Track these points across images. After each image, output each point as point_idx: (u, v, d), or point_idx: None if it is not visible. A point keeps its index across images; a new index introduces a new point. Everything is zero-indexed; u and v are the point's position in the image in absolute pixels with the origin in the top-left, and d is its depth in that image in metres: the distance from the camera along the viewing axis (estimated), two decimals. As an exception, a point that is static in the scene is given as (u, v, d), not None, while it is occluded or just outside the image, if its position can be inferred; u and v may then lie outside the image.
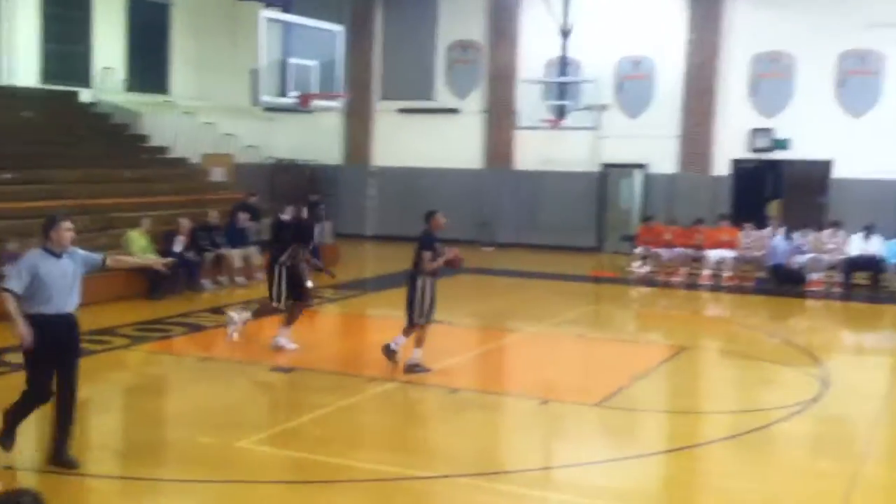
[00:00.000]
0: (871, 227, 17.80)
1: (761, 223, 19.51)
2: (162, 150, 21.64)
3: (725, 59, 22.27)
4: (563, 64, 21.99)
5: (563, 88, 21.72)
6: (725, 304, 17.14)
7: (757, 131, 21.83)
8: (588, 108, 21.86)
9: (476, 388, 10.21)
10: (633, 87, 23.22)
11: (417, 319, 10.32)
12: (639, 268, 19.11)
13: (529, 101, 22.18)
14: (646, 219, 20.55)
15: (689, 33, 22.35)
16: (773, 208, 21.50)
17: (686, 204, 21.54)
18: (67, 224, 7.00)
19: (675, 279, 18.45)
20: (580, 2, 21.62)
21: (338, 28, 15.97)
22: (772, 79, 21.91)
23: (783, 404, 9.48)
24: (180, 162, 21.53)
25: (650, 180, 23.06)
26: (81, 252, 7.18)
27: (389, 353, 10.43)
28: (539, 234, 23.71)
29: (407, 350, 10.43)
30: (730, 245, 18.52)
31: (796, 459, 8.17)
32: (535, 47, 23.62)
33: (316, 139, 26.13)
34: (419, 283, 10.28)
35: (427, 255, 10.32)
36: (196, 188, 20.52)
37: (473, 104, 24.88)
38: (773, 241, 18.03)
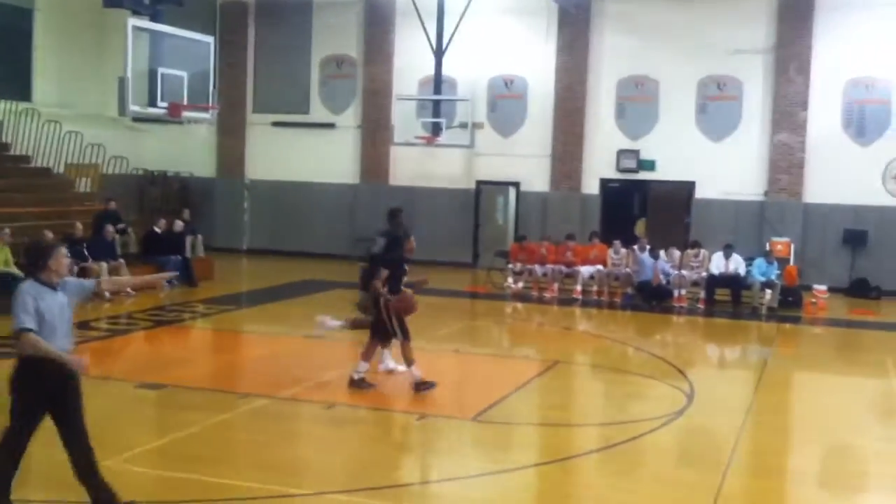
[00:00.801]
0: (731, 246, 18.58)
1: (629, 241, 20.12)
2: (24, 159, 20.78)
3: (594, 81, 22.90)
4: (438, 82, 22.20)
5: (437, 106, 21.93)
6: (596, 319, 17.56)
7: (624, 152, 22.52)
8: (462, 125, 22.16)
9: (353, 404, 10.14)
10: (506, 106, 23.62)
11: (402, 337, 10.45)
12: (513, 284, 19.42)
13: (405, 118, 22.32)
14: (519, 237, 20.88)
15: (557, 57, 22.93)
16: (640, 227, 22.19)
17: (558, 221, 22.01)
18: (65, 251, 6.38)
19: (549, 295, 18.82)
20: (454, 21, 21.88)
21: (208, 39, 15.71)
22: (637, 102, 22.66)
23: (651, 416, 9.77)
24: (43, 172, 20.70)
25: (523, 198, 23.48)
26: (72, 280, 6.54)
27: (420, 386, 10.41)
28: (416, 250, 23.76)
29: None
30: (600, 261, 19.03)
31: (664, 470, 8.42)
32: (410, 64, 23.77)
33: (187, 151, 25.56)
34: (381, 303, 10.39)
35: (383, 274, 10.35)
36: (60, 199, 19.78)
37: (349, 119, 24.83)
38: (641, 259, 18.61)
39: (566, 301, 18.44)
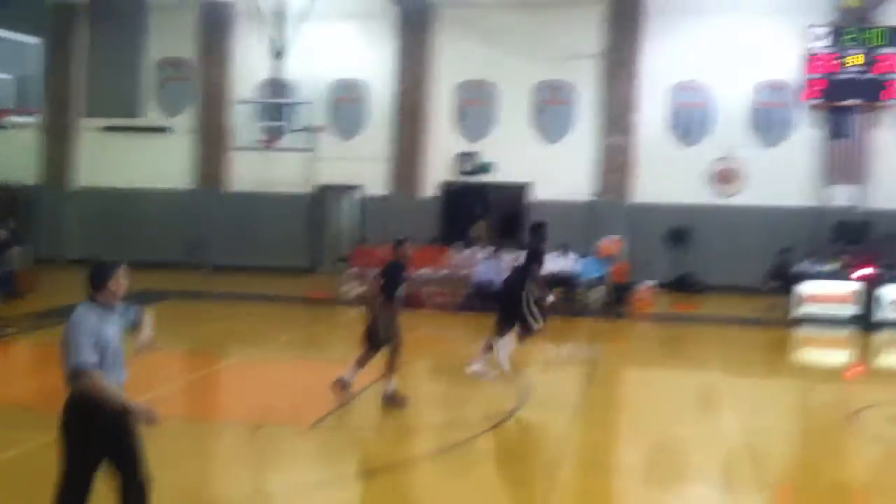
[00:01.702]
0: (566, 246, 19.19)
1: (469, 243, 20.48)
2: None
3: (434, 85, 23.22)
4: (277, 85, 22.00)
5: (277, 109, 21.71)
6: (436, 322, 17.77)
7: (463, 155, 22.92)
8: (303, 129, 22.02)
9: (186, 417, 9.95)
10: (346, 109, 23.64)
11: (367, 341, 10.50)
12: (352, 289, 19.42)
13: (243, 122, 22.00)
14: (360, 240, 20.92)
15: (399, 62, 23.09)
16: (479, 229, 22.61)
17: (399, 224, 22.12)
18: (125, 270, 5.67)
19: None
20: (293, 23, 21.73)
21: (35, 41, 15.07)
22: (476, 106, 23.11)
23: (486, 417, 10.01)
24: None
25: (365, 201, 23.54)
26: (120, 304, 5.76)
27: (390, 400, 10.34)
28: (254, 256, 23.51)
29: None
30: (439, 264, 19.29)
31: (500, 469, 8.65)
32: (249, 67, 23.48)
33: (9, 157, 24.38)
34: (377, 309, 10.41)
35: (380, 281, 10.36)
36: None
37: (185, 123, 24.28)
38: (479, 261, 18.96)
39: (408, 304, 18.56)
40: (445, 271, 19.19)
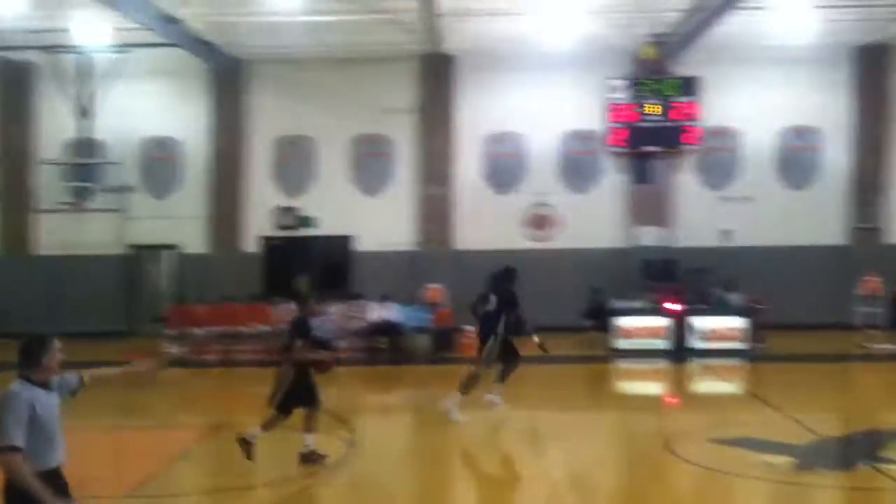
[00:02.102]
0: (387, 296, 19.27)
1: (293, 298, 20.21)
2: None
3: (250, 140, 22.98)
4: (84, 144, 21.21)
5: (85, 169, 20.92)
6: (261, 379, 17.35)
7: (283, 209, 22.72)
8: (113, 189, 21.28)
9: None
10: (159, 168, 23.03)
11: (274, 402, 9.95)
12: (171, 350, 18.77)
13: (49, 183, 21.05)
14: (178, 300, 20.29)
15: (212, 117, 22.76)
16: (302, 283, 22.30)
17: (219, 282, 21.66)
18: (58, 344, 5.45)
19: (210, 358, 18.42)
20: (100, 81, 21.06)
21: None
22: (295, 160, 23.01)
23: (316, 469, 9.82)
24: None
25: (182, 260, 22.90)
26: (54, 378, 5.53)
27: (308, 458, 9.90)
28: (64, 321, 22.29)
29: None
30: (262, 321, 18.93)
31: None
32: (54, 126, 22.54)
33: None
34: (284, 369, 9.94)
35: (300, 343, 9.82)
36: None
37: (-16, 186, 23.00)
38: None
39: (229, 363, 18.14)
40: (268, 328, 18.84)
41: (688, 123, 22.19)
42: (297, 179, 23.01)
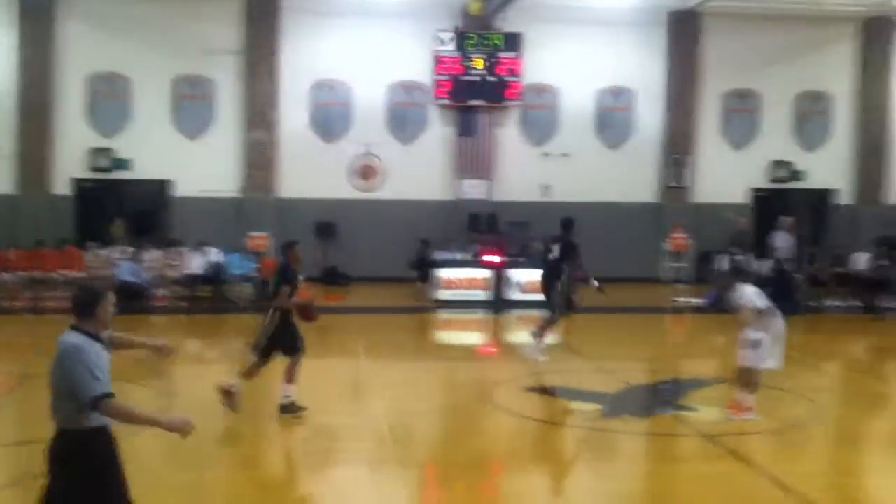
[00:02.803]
0: (205, 242, 18.89)
1: (107, 242, 19.48)
2: None
3: (61, 77, 21.77)
4: None
5: None
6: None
7: (97, 151, 21.73)
8: None
9: None
10: (-40, 102, 21.50)
11: (252, 351, 9.98)
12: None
13: None
14: (-18, 244, 19.17)
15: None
16: (118, 228, 21.53)
17: (28, 226, 20.58)
18: (113, 297, 5.25)
19: (20, 304, 17.56)
20: None
21: None
22: (110, 99, 21.98)
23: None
24: None
25: (-15, 202, 21.59)
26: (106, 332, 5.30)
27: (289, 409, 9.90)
28: None
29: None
30: (74, 267, 18.18)
31: (159, 473, 8.32)
32: None
33: None
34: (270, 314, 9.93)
35: (286, 289, 9.85)
36: None
37: None
38: (119, 260, 18.11)
39: (41, 310, 17.35)
40: (82, 274, 18.10)
41: (511, 79, 22.65)
42: (112, 119, 22.02)
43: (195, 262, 18.57)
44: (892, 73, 23.89)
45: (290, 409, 10.00)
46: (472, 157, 22.96)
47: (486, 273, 19.07)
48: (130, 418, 5.11)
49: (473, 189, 22.83)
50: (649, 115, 23.58)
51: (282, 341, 10.04)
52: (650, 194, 23.60)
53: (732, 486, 8.43)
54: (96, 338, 5.14)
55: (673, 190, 23.50)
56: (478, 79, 22.59)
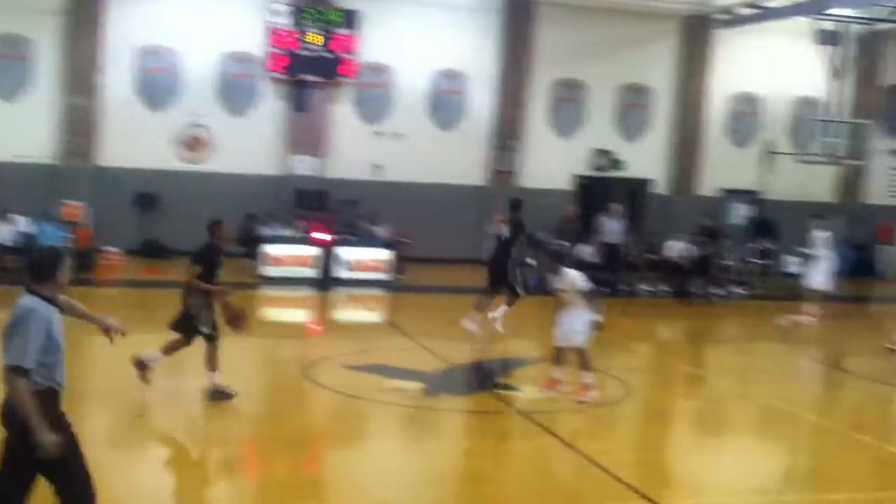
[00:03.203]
0: (8, 209, 18.05)
1: None
2: None
3: None
4: None
5: None
6: None
7: None
8: None
9: None
10: None
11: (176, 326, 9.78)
12: None
13: None
14: None
15: None
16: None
17: None
18: (70, 261, 5.28)
19: None
20: None
21: None
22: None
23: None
24: None
25: None
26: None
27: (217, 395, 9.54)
28: None
29: None
30: None
31: None
32: None
33: None
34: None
35: (196, 268, 9.62)
36: None
37: None
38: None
39: None
40: None
41: (346, 56, 22.48)
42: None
43: (1, 232, 17.57)
44: (708, 70, 25.12)
45: (217, 396, 9.63)
46: (305, 132, 22.66)
47: (314, 250, 18.92)
48: (21, 405, 4.94)
49: (304, 165, 22.56)
50: (481, 100, 23.92)
51: (199, 321, 9.74)
52: (479, 177, 23.99)
53: (547, 462, 8.75)
54: (52, 301, 5.12)
55: (501, 174, 23.97)
56: (313, 54, 22.29)
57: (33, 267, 5.18)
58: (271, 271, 18.72)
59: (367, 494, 7.57)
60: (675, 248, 20.24)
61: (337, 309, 17.96)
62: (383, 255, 19.30)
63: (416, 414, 10.03)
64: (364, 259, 19.22)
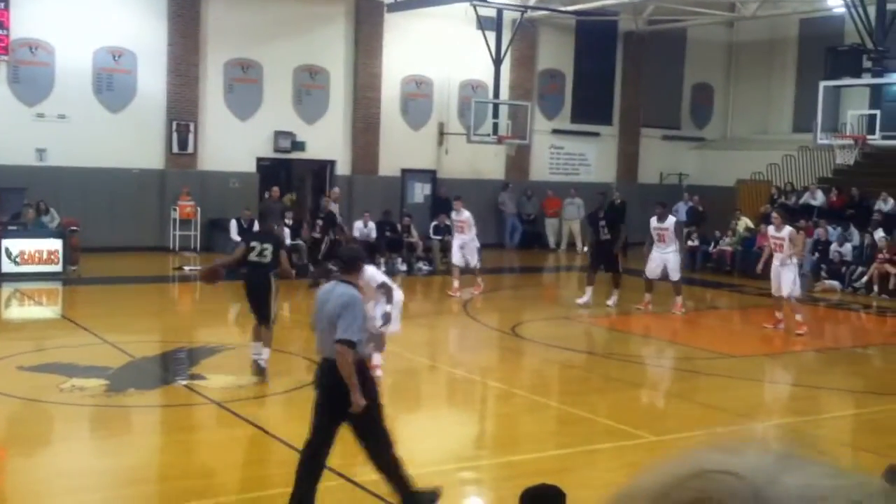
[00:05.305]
0: None
1: None
2: None
3: None
4: None
5: None
6: None
7: None
8: None
9: None
10: None
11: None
12: None
13: None
14: None
15: None
16: None
17: None
18: None
19: None
20: None
21: None
22: None
23: None
24: None
25: None
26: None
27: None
28: None
29: None
30: None
31: None
32: None
33: None
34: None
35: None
36: None
37: None
38: None
39: None
40: None
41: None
42: None
43: None
44: (382, 52, 25.62)
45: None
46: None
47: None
48: (347, 371, 6.08)
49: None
50: (152, 80, 22.79)
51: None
52: (155, 160, 22.95)
53: (247, 450, 8.60)
54: (357, 289, 6.55)
55: (177, 157, 23.09)
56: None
57: (348, 261, 6.75)
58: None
59: (57, 503, 7.03)
60: (357, 228, 20.57)
61: (5, 306, 16.49)
62: (53, 245, 17.96)
63: (103, 412, 9.45)
64: (32, 250, 17.79)
